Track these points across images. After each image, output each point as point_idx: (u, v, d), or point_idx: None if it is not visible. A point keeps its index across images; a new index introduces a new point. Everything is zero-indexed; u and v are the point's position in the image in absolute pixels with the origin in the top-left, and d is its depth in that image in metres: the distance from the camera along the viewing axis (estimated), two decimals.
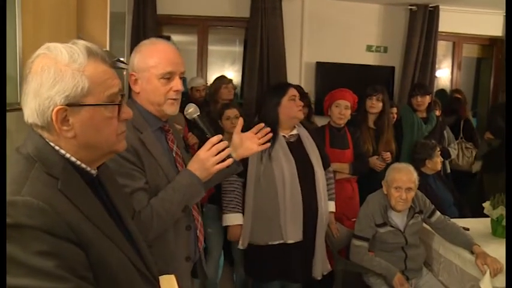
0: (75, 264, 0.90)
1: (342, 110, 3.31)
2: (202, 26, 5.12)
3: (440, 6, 5.07)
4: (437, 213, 2.83)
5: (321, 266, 2.72)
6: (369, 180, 3.38)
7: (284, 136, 2.70)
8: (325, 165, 2.85)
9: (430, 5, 5.06)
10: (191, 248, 1.72)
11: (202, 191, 1.63)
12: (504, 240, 2.81)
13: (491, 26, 5.42)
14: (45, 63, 0.98)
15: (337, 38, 5.17)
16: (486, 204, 2.97)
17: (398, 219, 2.78)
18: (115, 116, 1.05)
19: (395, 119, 4.02)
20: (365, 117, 3.63)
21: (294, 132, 2.75)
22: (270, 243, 2.61)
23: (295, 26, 5.08)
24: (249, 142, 1.88)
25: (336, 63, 5.13)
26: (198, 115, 1.68)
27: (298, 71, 5.18)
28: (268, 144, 1.94)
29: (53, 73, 0.97)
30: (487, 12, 5.30)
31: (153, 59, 1.59)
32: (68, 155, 1.02)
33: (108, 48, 3.22)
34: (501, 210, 2.84)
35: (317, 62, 5.12)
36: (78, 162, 1.03)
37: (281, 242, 2.60)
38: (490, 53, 5.69)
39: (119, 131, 1.08)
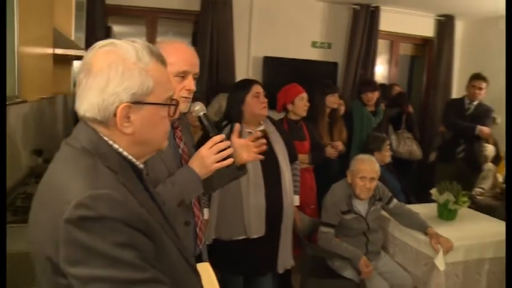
0: (149, 254, 0.96)
1: (306, 102, 3.57)
2: (151, 18, 5.15)
3: (381, 7, 5.50)
4: (394, 200, 3.19)
5: (284, 260, 2.84)
6: (323, 169, 3.78)
7: (250, 132, 2.73)
8: (293, 159, 3.05)
9: (372, 5, 5.47)
10: (189, 244, 1.76)
11: (200, 188, 1.67)
12: (450, 222, 3.24)
13: (424, 27, 5.97)
14: (113, 59, 1.02)
15: (284, 33, 5.44)
16: (433, 191, 3.38)
17: (361, 207, 3.09)
18: (167, 116, 1.12)
19: (343, 112, 4.38)
20: (323, 111, 3.95)
21: (261, 128, 2.91)
22: (233, 238, 2.71)
23: (244, 21, 5.27)
24: (245, 150, 1.86)
25: (283, 58, 5.39)
26: (204, 113, 1.74)
27: (246, 65, 5.39)
28: (262, 157, 1.95)
29: (122, 70, 1.02)
30: (421, 15, 5.83)
31: (172, 57, 1.62)
32: (120, 150, 1.07)
33: (73, 39, 3.24)
34: (447, 196, 3.25)
35: (264, 57, 5.36)
36: (130, 157, 1.09)
37: (244, 237, 2.69)
38: (423, 52, 6.25)
39: (167, 130, 1.14)
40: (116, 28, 5.33)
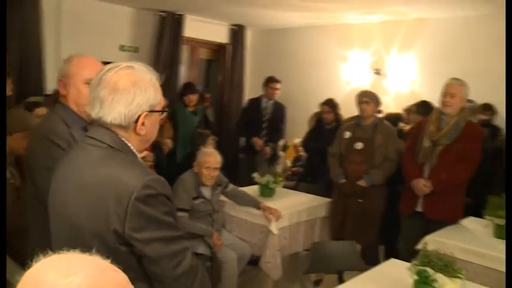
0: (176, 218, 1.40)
1: None
2: None
3: (184, 15, 6.23)
4: (230, 184, 3.95)
5: None
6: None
7: None
8: None
9: (177, 13, 6.16)
10: None
11: None
12: (270, 198, 4.14)
13: (220, 34, 6.96)
14: (135, 80, 1.38)
15: (93, 35, 5.69)
16: (256, 175, 4.27)
17: (207, 192, 3.76)
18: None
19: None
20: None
21: None
22: None
23: (51, 21, 5.35)
24: None
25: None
26: None
27: (55, 67, 5.46)
28: None
29: (144, 88, 1.38)
30: (218, 23, 6.81)
31: (81, 67, 2.04)
32: (132, 147, 1.43)
33: None
34: (268, 177, 4.17)
35: None
36: (136, 152, 1.45)
37: None
38: (218, 56, 7.25)
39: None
40: None
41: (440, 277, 2.08)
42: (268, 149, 5.71)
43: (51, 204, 1.51)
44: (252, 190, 4.26)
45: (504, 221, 3.20)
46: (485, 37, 5.37)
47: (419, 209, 3.70)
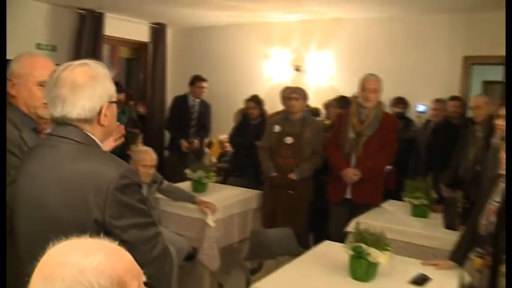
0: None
1: None
2: None
3: (105, 13, 6.17)
4: (165, 181, 4.04)
5: None
6: None
7: None
8: None
9: (97, 11, 6.08)
10: None
11: None
12: (204, 193, 4.28)
13: (141, 33, 6.95)
14: (92, 74, 1.47)
15: (8, 33, 5.47)
16: (188, 171, 4.39)
17: (143, 189, 3.81)
18: None
19: None
20: None
21: None
22: None
23: None
24: None
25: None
26: None
27: None
28: None
29: (102, 80, 1.48)
30: (138, 22, 6.79)
31: (33, 67, 2.02)
32: (97, 141, 1.52)
33: None
34: (200, 173, 4.31)
35: None
36: (101, 145, 1.55)
37: None
38: (139, 54, 7.23)
39: None
40: None
41: (373, 251, 2.35)
42: (196, 142, 5.83)
43: (20, 203, 1.54)
44: (184, 186, 4.37)
45: (421, 200, 3.62)
46: (397, 36, 5.89)
47: (348, 196, 4.03)
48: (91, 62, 1.54)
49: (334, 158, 4.11)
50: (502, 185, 2.49)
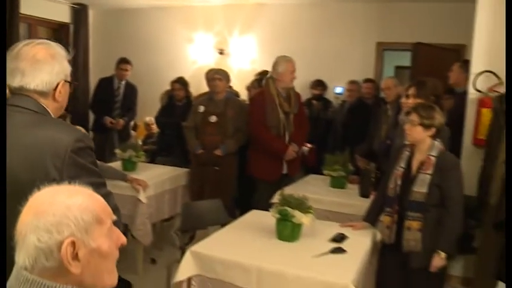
0: None
1: None
2: None
3: None
4: (96, 160, 4.12)
5: None
6: None
7: None
8: None
9: None
10: None
11: None
12: (134, 172, 4.42)
13: (61, 13, 6.82)
14: (53, 52, 1.60)
15: None
16: (117, 151, 4.49)
17: None
18: None
19: None
20: None
21: None
22: None
23: None
24: None
25: None
26: None
27: None
28: None
29: (60, 60, 1.62)
30: (58, 1, 6.66)
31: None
32: (51, 113, 1.63)
33: None
34: (130, 152, 4.43)
35: None
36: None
37: None
38: (60, 35, 7.09)
39: None
40: None
41: (297, 213, 2.65)
42: (121, 121, 5.88)
43: None
44: (114, 165, 4.47)
45: (339, 173, 3.99)
46: (317, 22, 6.28)
47: (284, 171, 4.40)
48: (52, 42, 1.67)
49: (272, 142, 4.33)
50: (406, 153, 2.88)
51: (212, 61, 6.77)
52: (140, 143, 6.70)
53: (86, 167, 1.60)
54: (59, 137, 1.57)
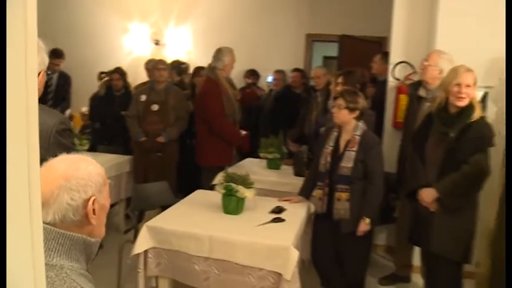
0: None
1: None
2: None
3: None
4: None
5: None
6: None
7: None
8: None
9: None
10: None
11: None
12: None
13: None
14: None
15: None
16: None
17: None
18: None
19: None
20: None
21: None
22: None
23: None
24: None
25: None
26: None
27: None
28: None
29: (39, 51, 1.79)
30: None
31: None
32: None
33: None
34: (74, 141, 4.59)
35: None
36: None
37: None
38: None
39: None
40: None
41: (240, 188, 3.00)
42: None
43: None
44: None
45: (274, 155, 4.38)
46: (249, 13, 6.63)
47: None
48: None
49: (235, 132, 4.59)
50: (334, 133, 3.30)
51: (148, 52, 6.96)
52: (77, 133, 6.78)
53: (68, 146, 1.87)
54: (45, 119, 1.81)
